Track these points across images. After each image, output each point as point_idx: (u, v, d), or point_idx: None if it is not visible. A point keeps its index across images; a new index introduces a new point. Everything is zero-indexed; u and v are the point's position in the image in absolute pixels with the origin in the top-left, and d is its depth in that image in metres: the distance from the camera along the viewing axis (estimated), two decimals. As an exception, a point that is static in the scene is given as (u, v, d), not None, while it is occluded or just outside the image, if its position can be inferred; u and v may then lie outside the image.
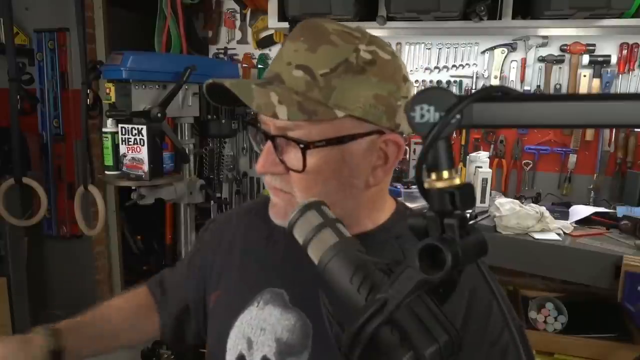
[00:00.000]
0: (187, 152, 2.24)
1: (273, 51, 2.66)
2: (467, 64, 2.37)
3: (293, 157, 0.65)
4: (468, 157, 2.25)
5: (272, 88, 0.64)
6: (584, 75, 2.21)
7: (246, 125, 2.62)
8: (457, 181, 0.45)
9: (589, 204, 2.19)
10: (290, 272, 0.76)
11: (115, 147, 2.02)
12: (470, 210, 1.89)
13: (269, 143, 0.67)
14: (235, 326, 0.76)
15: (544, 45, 2.24)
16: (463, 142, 2.38)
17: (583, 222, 1.98)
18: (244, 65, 2.71)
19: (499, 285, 0.75)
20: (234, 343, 0.76)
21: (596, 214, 2.00)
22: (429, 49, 2.40)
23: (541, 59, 2.26)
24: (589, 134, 2.26)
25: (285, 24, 2.21)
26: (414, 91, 0.55)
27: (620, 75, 2.18)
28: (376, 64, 0.66)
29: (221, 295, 0.82)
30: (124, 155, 1.99)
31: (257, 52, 2.70)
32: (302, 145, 0.63)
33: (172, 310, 0.93)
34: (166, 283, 0.96)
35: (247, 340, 0.74)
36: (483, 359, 0.68)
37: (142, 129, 1.93)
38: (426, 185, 0.45)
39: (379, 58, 0.66)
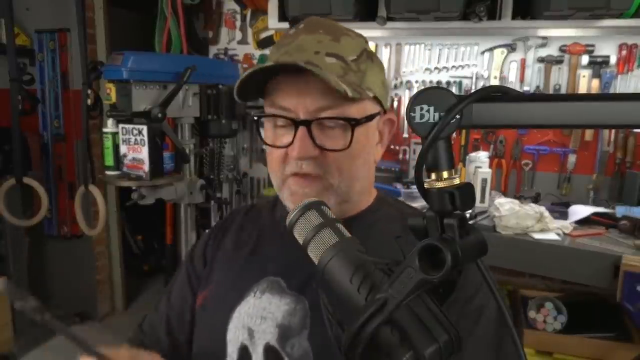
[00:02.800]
0: (187, 152, 2.25)
1: (273, 51, 2.66)
2: (467, 65, 2.37)
3: (332, 137, 0.69)
4: (468, 157, 2.25)
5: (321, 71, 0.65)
6: (583, 76, 2.21)
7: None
8: (457, 181, 0.45)
9: (588, 204, 2.19)
10: (285, 261, 0.77)
11: (116, 147, 2.03)
12: (470, 210, 1.89)
13: (301, 129, 0.68)
14: (234, 318, 0.77)
15: (543, 45, 2.25)
16: (463, 142, 2.38)
17: (582, 222, 1.98)
18: (244, 65, 2.71)
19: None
20: (234, 335, 0.76)
21: (595, 214, 2.01)
22: (429, 49, 2.40)
23: (540, 60, 2.27)
24: (588, 134, 2.26)
25: (286, 24, 2.21)
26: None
27: (619, 76, 2.17)
28: (375, 54, 0.76)
29: (214, 290, 0.82)
30: (125, 156, 1.99)
31: (257, 53, 2.70)
32: (353, 122, 0.68)
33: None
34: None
35: (247, 330, 0.75)
36: (457, 315, 0.65)
37: (142, 129, 1.93)
38: (426, 186, 0.46)
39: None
